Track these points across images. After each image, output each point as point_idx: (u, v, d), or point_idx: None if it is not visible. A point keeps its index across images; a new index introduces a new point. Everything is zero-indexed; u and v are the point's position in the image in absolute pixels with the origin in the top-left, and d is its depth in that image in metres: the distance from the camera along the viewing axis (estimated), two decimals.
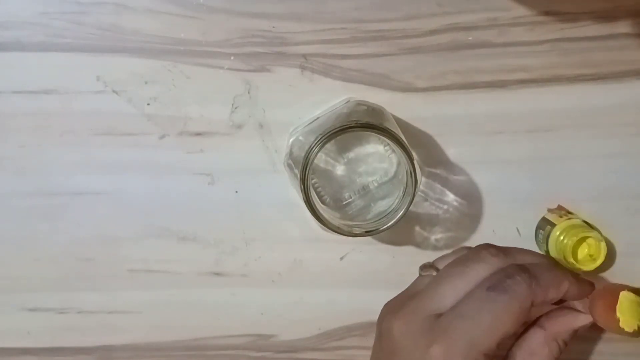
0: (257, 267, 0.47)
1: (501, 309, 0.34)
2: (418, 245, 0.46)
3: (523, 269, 0.36)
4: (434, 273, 0.39)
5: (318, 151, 0.37)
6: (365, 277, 0.46)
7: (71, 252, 0.46)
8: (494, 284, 0.35)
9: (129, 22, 0.44)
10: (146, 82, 0.45)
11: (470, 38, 0.44)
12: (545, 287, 0.36)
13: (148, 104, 0.45)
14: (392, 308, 0.38)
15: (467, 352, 0.34)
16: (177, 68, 0.45)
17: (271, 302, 0.47)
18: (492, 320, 0.34)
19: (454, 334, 0.34)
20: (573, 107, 0.45)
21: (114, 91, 0.45)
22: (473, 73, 0.45)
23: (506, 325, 0.34)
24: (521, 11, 0.44)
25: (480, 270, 0.36)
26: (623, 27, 0.44)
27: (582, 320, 0.39)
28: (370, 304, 0.45)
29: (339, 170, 0.41)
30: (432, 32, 0.44)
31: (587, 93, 0.45)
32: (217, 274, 0.47)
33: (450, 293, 0.36)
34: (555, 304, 0.38)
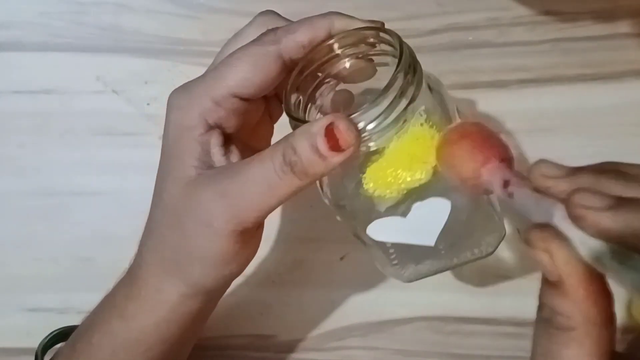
0: (257, 267, 0.47)
1: (242, 53, 0.32)
2: None
3: (278, 19, 0.34)
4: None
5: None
6: (365, 277, 0.46)
7: (71, 252, 0.46)
8: (251, 35, 0.34)
9: (129, 22, 0.44)
10: (146, 82, 0.45)
11: (470, 38, 0.44)
12: (295, 29, 0.33)
13: (148, 104, 0.45)
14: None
15: (200, 93, 0.33)
16: (177, 68, 0.45)
17: (271, 302, 0.47)
18: (229, 67, 0.32)
19: (191, 83, 0.33)
20: (573, 107, 0.45)
21: (113, 91, 0.45)
22: (473, 73, 0.45)
23: (242, 73, 0.32)
24: (521, 11, 0.44)
25: (248, 31, 0.34)
26: (623, 27, 0.44)
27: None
28: (370, 304, 0.45)
29: None
30: (432, 32, 0.44)
31: (587, 93, 0.45)
32: None
33: (217, 59, 0.35)
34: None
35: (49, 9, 0.44)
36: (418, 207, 0.33)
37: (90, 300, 0.46)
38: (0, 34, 0.44)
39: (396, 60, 0.30)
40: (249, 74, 0.32)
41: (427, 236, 0.35)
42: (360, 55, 0.34)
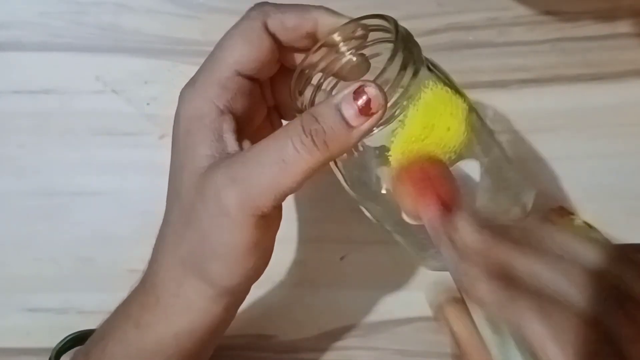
0: None
1: (232, 32, 0.33)
2: None
3: (266, 2, 0.34)
4: None
5: None
6: (365, 277, 0.46)
7: (71, 252, 0.46)
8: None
9: (128, 22, 0.44)
10: (146, 82, 0.45)
11: (470, 38, 0.44)
12: (284, 9, 0.32)
13: (148, 104, 0.45)
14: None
15: (204, 81, 0.32)
16: (177, 68, 0.45)
17: (271, 302, 0.47)
18: (224, 48, 0.32)
19: (195, 75, 0.33)
20: (573, 107, 0.45)
21: (113, 91, 0.45)
22: (473, 73, 0.45)
23: (237, 49, 0.32)
24: (521, 11, 0.44)
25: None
26: (623, 26, 0.44)
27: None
28: (370, 304, 0.45)
29: None
30: (433, 32, 0.44)
31: (587, 93, 0.45)
32: None
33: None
34: None
35: (49, 9, 0.44)
36: None
37: (90, 300, 0.47)
38: (0, 34, 0.44)
39: (391, 45, 0.30)
40: (244, 50, 0.32)
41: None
42: (355, 51, 0.34)
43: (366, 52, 0.34)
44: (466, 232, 0.26)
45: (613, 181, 0.45)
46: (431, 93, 0.31)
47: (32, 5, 0.44)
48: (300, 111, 0.32)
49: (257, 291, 0.47)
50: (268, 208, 0.29)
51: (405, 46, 0.30)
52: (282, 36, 0.32)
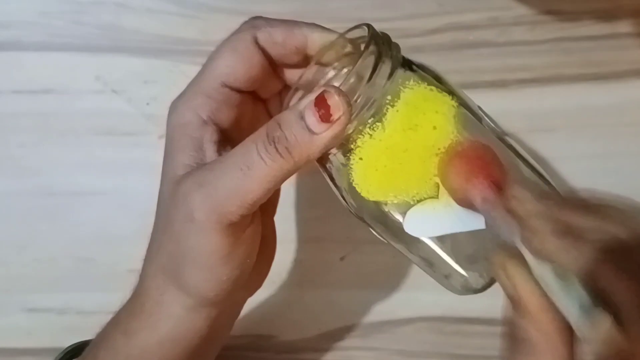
0: None
1: (223, 45, 0.32)
2: None
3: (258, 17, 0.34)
4: None
5: None
6: (365, 277, 0.46)
7: (71, 252, 0.46)
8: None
9: (128, 21, 0.44)
10: (146, 82, 0.45)
11: (471, 37, 0.44)
12: (274, 23, 0.32)
13: (148, 104, 0.45)
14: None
15: (191, 92, 0.32)
16: (177, 68, 0.44)
17: (271, 302, 0.47)
18: (212, 60, 0.32)
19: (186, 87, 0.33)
20: (573, 107, 0.45)
21: (113, 91, 0.45)
22: (474, 72, 0.45)
23: (225, 60, 0.32)
24: (522, 11, 0.44)
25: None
26: (624, 26, 0.44)
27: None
28: (370, 304, 0.45)
29: None
30: (433, 32, 0.44)
31: (587, 93, 0.45)
32: None
33: None
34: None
35: (49, 9, 0.44)
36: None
37: (90, 300, 0.47)
38: (0, 33, 0.44)
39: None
40: (231, 61, 0.32)
41: (475, 218, 0.30)
42: (347, 66, 0.33)
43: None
44: (527, 199, 0.26)
45: (613, 181, 0.45)
46: (412, 92, 0.30)
47: (32, 5, 0.44)
48: None
49: (258, 291, 0.47)
50: (234, 215, 0.29)
51: (380, 47, 0.29)
52: (272, 50, 0.32)
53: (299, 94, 0.33)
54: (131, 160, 0.45)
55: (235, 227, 0.30)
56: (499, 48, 0.44)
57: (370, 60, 0.29)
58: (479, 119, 0.32)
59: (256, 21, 0.33)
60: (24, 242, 0.46)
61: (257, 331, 0.47)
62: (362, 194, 0.30)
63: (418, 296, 0.45)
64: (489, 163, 0.30)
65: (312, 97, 0.28)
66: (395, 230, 0.31)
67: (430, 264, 0.34)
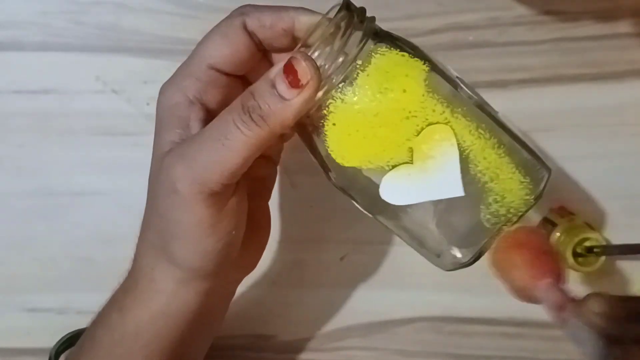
0: (257, 267, 0.46)
1: (212, 30, 0.33)
2: None
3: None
4: None
5: None
6: (365, 277, 0.46)
7: (71, 252, 0.46)
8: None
9: (128, 21, 0.44)
10: (145, 82, 0.45)
11: (470, 37, 0.44)
12: (262, 8, 0.33)
13: (148, 104, 0.45)
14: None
15: (180, 74, 0.33)
16: (176, 68, 0.44)
17: (271, 302, 0.47)
18: (202, 43, 0.33)
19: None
20: (573, 107, 0.45)
21: (113, 91, 0.45)
22: (473, 72, 0.45)
23: (214, 44, 0.32)
24: (522, 11, 0.44)
25: None
26: (624, 26, 0.44)
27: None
28: (370, 304, 0.45)
29: None
30: (433, 32, 0.44)
31: (587, 93, 0.45)
32: None
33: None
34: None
35: (48, 9, 0.44)
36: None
37: (90, 300, 0.46)
38: (0, 33, 0.44)
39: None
40: (218, 44, 0.32)
41: (452, 184, 0.31)
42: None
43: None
44: (598, 304, 0.28)
45: (613, 181, 0.45)
46: (383, 57, 0.30)
47: (32, 5, 0.44)
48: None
49: (257, 291, 0.47)
50: (216, 184, 0.30)
51: (350, 16, 0.30)
52: (260, 34, 0.33)
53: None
54: (131, 160, 0.45)
55: (218, 198, 0.30)
56: (498, 48, 0.44)
57: (339, 27, 0.29)
58: (455, 86, 0.32)
59: (245, 7, 0.33)
60: (23, 242, 0.46)
61: (257, 331, 0.47)
62: (337, 161, 0.31)
63: (418, 296, 0.45)
64: (553, 259, 0.29)
65: (281, 65, 0.29)
66: (377, 201, 0.31)
67: (421, 242, 0.33)
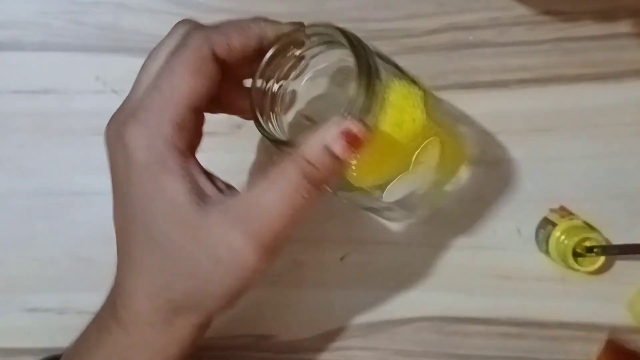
0: None
1: (178, 63, 0.31)
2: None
3: (202, 26, 0.33)
4: None
5: None
6: (365, 277, 0.46)
7: (71, 252, 0.46)
8: (175, 46, 0.32)
9: (128, 21, 0.44)
10: None
11: (470, 37, 0.44)
12: (227, 31, 0.32)
13: None
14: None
15: (157, 122, 0.31)
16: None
17: (271, 302, 0.47)
18: (173, 83, 0.31)
19: (140, 113, 0.32)
20: (573, 107, 0.45)
21: (113, 91, 0.45)
22: (473, 73, 0.45)
23: (189, 83, 0.31)
24: (522, 11, 0.44)
25: (169, 42, 0.33)
26: (624, 26, 0.44)
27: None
28: (370, 304, 0.45)
29: None
30: (433, 32, 0.44)
31: (587, 93, 0.45)
32: None
33: (145, 78, 0.33)
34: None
35: (48, 9, 0.44)
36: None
37: (89, 300, 0.46)
38: (0, 33, 0.44)
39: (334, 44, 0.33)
40: (194, 83, 0.31)
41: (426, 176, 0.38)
42: (300, 53, 0.35)
43: (308, 53, 0.35)
44: None
45: (613, 181, 0.45)
46: (393, 93, 0.33)
47: (32, 5, 0.44)
48: (261, 125, 0.34)
49: (257, 291, 0.46)
50: (280, 249, 0.32)
51: (364, 59, 0.31)
52: (230, 58, 0.32)
53: (259, 82, 0.34)
54: None
55: (276, 252, 0.33)
56: (498, 48, 0.44)
57: (365, 80, 0.31)
58: (429, 93, 0.36)
59: (206, 32, 0.32)
60: (23, 242, 0.46)
61: (257, 331, 0.47)
62: (355, 184, 0.34)
63: (418, 296, 0.45)
64: None
65: (337, 130, 0.30)
66: (347, 186, 0.35)
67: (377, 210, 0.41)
